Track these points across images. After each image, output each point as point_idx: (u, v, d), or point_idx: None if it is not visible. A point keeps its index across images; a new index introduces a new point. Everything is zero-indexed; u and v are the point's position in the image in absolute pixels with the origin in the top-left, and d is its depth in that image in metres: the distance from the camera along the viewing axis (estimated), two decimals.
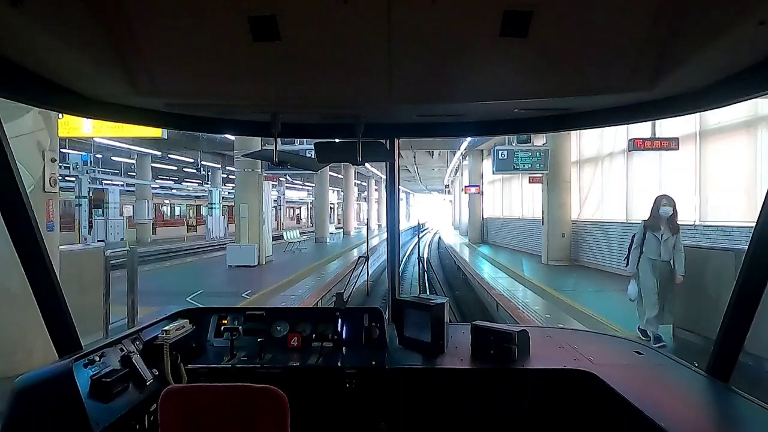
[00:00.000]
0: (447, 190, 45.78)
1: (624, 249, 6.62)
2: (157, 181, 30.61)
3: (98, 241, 19.86)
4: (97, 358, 1.77)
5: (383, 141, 2.34)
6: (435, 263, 19.88)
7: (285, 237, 21.74)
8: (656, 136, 10.38)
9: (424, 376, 2.13)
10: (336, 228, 36.79)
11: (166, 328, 2.08)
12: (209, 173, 31.75)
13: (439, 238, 30.99)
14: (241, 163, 14.86)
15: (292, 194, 45.01)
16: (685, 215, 10.07)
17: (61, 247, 5.94)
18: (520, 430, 2.11)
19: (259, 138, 11.25)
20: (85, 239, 20.81)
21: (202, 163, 29.01)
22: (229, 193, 30.04)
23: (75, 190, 21.37)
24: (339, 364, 2.18)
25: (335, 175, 33.28)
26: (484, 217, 24.42)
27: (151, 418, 1.83)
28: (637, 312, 6.38)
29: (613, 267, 12.56)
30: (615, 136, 12.55)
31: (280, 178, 31.11)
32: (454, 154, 28.16)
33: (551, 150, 14.24)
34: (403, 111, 2.13)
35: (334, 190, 39.03)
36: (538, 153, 14.21)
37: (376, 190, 47.65)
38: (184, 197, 35.39)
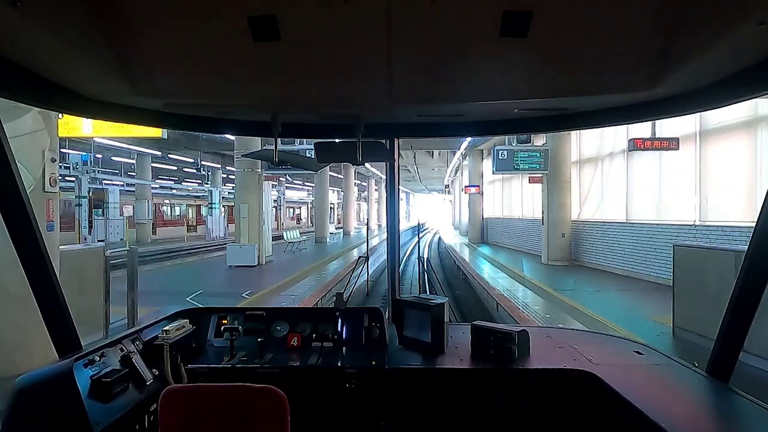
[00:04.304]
0: (447, 190, 45.78)
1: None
2: (157, 181, 30.61)
3: (98, 241, 19.86)
4: (97, 358, 1.77)
5: (383, 141, 2.34)
6: (435, 263, 19.88)
7: (285, 237, 21.74)
8: (656, 136, 10.39)
9: (424, 376, 2.13)
10: (336, 228, 36.80)
11: (166, 328, 2.08)
12: (209, 173, 31.75)
13: (439, 238, 30.98)
14: (241, 163, 14.86)
15: (292, 194, 45.00)
16: (685, 215, 10.10)
17: (61, 247, 5.94)
18: (520, 430, 2.11)
19: (259, 138, 11.26)
20: (85, 239, 20.81)
21: (202, 163, 29.01)
22: (229, 193, 30.04)
23: (75, 190, 21.37)
24: (339, 364, 2.18)
25: (335, 175, 33.28)
26: (484, 217, 24.43)
27: (151, 418, 1.83)
28: None
29: (613, 267, 12.58)
30: (615, 136, 12.56)
31: (280, 178, 31.11)
32: (454, 154, 28.16)
33: (551, 150, 14.24)
34: (403, 111, 2.13)
35: (334, 190, 39.03)
36: (538, 153, 14.22)
37: (376, 190, 47.64)
38: (184, 197, 35.39)
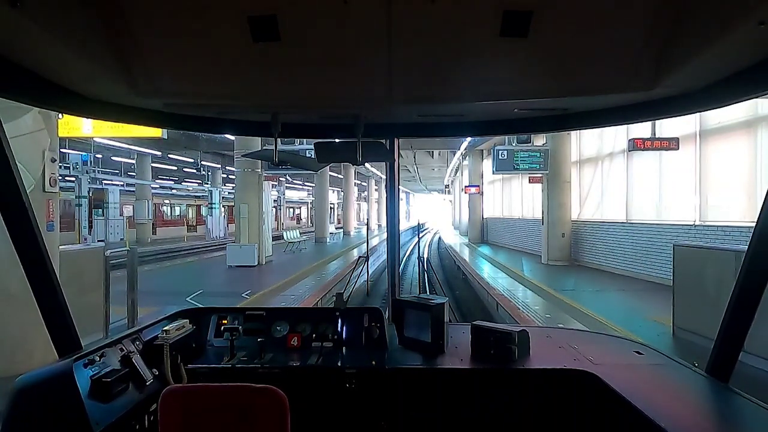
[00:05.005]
0: (447, 190, 45.78)
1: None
2: (157, 181, 30.61)
3: (98, 241, 19.86)
4: (97, 358, 1.77)
5: (383, 141, 2.34)
6: (435, 263, 19.88)
7: (285, 237, 21.74)
8: (656, 136, 10.40)
9: (424, 376, 2.13)
10: (336, 228, 36.80)
11: (166, 328, 2.08)
12: (209, 173, 31.75)
13: (439, 238, 30.99)
14: (241, 163, 14.86)
15: (292, 194, 45.00)
16: (685, 215, 10.10)
17: (61, 247, 5.94)
18: (520, 430, 2.11)
19: (259, 138, 11.26)
20: (85, 239, 20.80)
21: (202, 163, 29.02)
22: (229, 193, 30.04)
23: (75, 190, 21.37)
24: (339, 364, 2.18)
25: (335, 175, 33.28)
26: (484, 217, 24.44)
27: (151, 418, 1.83)
28: None
29: (612, 267, 12.58)
30: (615, 136, 12.56)
31: (280, 178, 31.11)
32: (454, 154, 28.16)
33: (551, 150, 14.24)
34: (403, 111, 2.13)
35: (334, 190, 39.03)
36: (538, 153, 14.22)
37: (376, 190, 47.63)
38: (184, 197, 35.39)
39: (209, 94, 1.80)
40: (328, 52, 1.45)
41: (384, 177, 6.04)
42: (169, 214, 32.98)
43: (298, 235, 21.66)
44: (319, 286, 10.87)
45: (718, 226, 9.14)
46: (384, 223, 5.11)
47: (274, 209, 29.50)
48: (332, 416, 2.13)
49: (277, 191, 34.63)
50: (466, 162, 26.83)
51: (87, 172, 21.78)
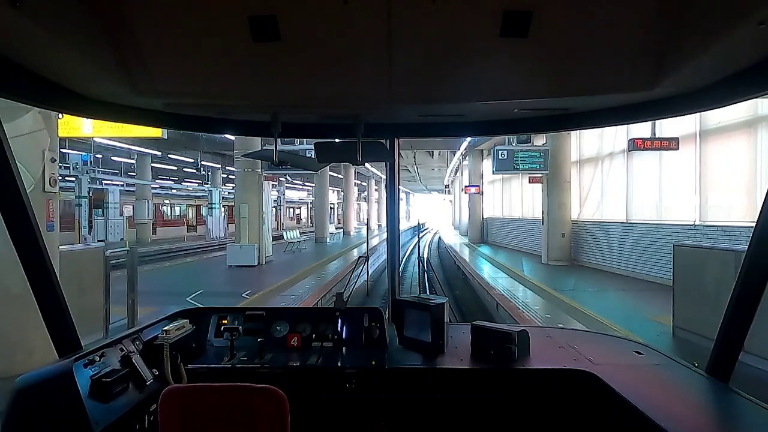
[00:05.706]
0: (447, 190, 45.75)
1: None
2: (157, 181, 30.61)
3: (98, 241, 19.87)
4: (97, 358, 1.77)
5: (383, 141, 2.34)
6: (435, 263, 19.88)
7: (285, 237, 21.74)
8: (656, 136, 10.40)
9: (424, 376, 2.13)
10: (336, 228, 36.80)
11: (166, 328, 2.08)
12: (209, 173, 31.76)
13: (439, 238, 30.97)
14: (241, 163, 14.87)
15: (292, 194, 45.00)
16: (685, 215, 10.10)
17: (61, 247, 5.94)
18: (520, 430, 2.11)
19: (259, 138, 11.27)
20: (85, 239, 20.81)
21: (202, 163, 29.02)
22: (229, 193, 30.06)
23: (75, 190, 21.38)
24: (339, 364, 2.18)
25: (335, 175, 33.28)
26: (484, 217, 24.44)
27: (151, 418, 1.83)
28: None
29: (613, 267, 12.58)
30: (615, 136, 12.57)
31: (280, 178, 31.13)
32: (454, 154, 28.16)
33: (551, 150, 14.25)
34: (403, 111, 2.13)
35: (334, 190, 39.03)
36: (538, 153, 14.23)
37: (376, 190, 47.64)
38: (184, 197, 35.40)
39: (209, 94, 1.80)
40: (328, 52, 1.45)
41: (384, 177, 6.04)
42: (169, 214, 32.98)
43: (298, 235, 21.65)
44: (319, 286, 10.87)
45: (718, 226, 9.15)
46: (384, 223, 5.11)
47: (274, 209, 29.51)
48: (332, 416, 2.13)
49: (277, 191, 34.65)
50: (466, 162, 26.83)
51: (87, 172, 21.79)
